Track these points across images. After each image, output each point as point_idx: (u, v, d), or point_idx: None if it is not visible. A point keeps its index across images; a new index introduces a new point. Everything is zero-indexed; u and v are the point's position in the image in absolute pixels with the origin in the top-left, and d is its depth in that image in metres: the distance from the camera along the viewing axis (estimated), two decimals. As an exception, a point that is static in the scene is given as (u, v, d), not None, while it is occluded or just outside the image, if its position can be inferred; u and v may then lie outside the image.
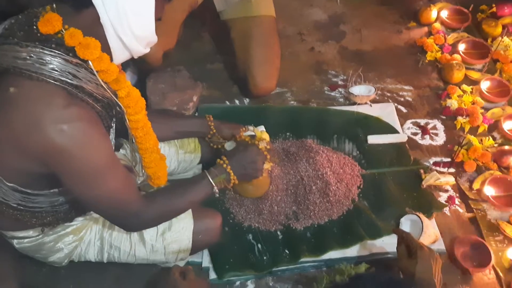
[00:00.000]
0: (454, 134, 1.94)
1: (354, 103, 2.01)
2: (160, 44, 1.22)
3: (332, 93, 2.09)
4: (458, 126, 1.94)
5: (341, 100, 2.06)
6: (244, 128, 1.58)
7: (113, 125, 1.19)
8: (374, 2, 2.51)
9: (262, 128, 1.59)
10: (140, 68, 1.90)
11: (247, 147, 1.44)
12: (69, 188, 1.09)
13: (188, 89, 1.92)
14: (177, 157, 1.59)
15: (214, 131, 1.58)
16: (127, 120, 1.18)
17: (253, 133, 1.54)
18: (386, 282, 0.93)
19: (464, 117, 1.95)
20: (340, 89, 2.09)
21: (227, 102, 2.03)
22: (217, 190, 1.33)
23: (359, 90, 2.01)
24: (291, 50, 2.23)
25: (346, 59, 2.24)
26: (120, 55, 1.09)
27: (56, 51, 0.98)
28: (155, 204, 1.23)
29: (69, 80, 0.99)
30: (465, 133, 1.92)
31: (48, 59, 0.97)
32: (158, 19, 1.09)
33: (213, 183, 1.31)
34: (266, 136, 1.52)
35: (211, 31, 2.30)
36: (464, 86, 2.05)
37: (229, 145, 1.52)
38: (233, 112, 1.95)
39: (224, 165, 1.36)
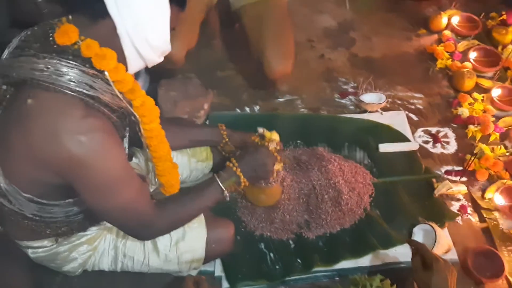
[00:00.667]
0: (465, 143, 1.93)
1: (365, 111, 2.01)
2: (182, 43, 1.22)
3: (343, 101, 2.09)
4: (470, 135, 1.94)
5: (352, 107, 2.06)
6: (256, 135, 1.58)
7: (127, 134, 1.20)
8: (383, 9, 2.51)
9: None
10: (159, 70, 1.89)
11: (256, 148, 1.44)
12: (84, 199, 1.10)
13: (199, 97, 1.92)
14: (189, 165, 1.59)
15: (227, 140, 1.58)
16: (142, 129, 1.18)
17: (263, 134, 1.54)
18: None
19: (476, 125, 1.95)
20: (350, 97, 2.09)
21: (238, 110, 2.04)
22: (227, 194, 1.32)
23: (370, 97, 2.01)
24: (300, 57, 2.23)
25: (356, 66, 2.24)
26: (135, 65, 1.09)
27: (73, 63, 0.99)
28: (167, 212, 1.23)
29: (85, 91, 0.99)
30: (476, 141, 1.91)
31: (65, 70, 0.98)
32: (172, 29, 1.10)
33: (222, 187, 1.31)
34: (276, 137, 1.51)
35: (222, 36, 2.30)
36: (475, 94, 2.05)
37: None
38: (243, 120, 1.95)
39: (234, 168, 1.36)
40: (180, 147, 1.56)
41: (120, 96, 1.07)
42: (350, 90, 2.13)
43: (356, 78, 2.15)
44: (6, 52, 1.05)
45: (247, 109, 2.05)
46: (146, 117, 1.16)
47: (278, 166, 1.46)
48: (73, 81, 0.98)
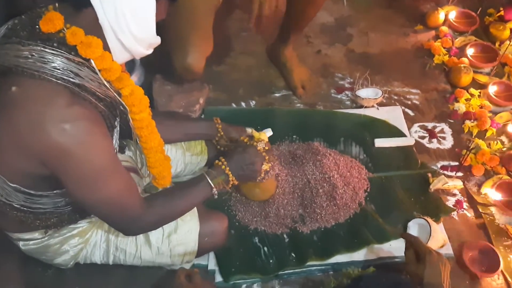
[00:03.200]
0: (462, 138, 1.92)
1: (361, 106, 2.00)
2: (200, 54, 1.18)
3: (339, 96, 2.08)
4: (466, 130, 1.93)
5: (348, 103, 2.05)
6: (251, 131, 1.58)
7: (117, 125, 1.18)
8: (381, 5, 2.50)
9: (269, 131, 1.59)
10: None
11: (245, 148, 1.44)
12: (68, 190, 1.08)
13: (194, 91, 1.91)
14: (183, 159, 1.59)
15: (222, 133, 1.57)
16: (131, 120, 1.16)
17: (251, 135, 1.55)
18: (394, 283, 0.91)
19: (472, 121, 1.94)
20: (347, 92, 2.09)
21: (234, 105, 2.03)
22: (216, 192, 1.32)
23: (366, 93, 2.00)
24: (297, 52, 2.21)
25: (353, 62, 2.23)
26: (120, 56, 1.07)
27: (58, 50, 0.97)
28: (155, 207, 1.21)
29: (71, 79, 0.98)
30: (473, 137, 1.90)
31: (50, 57, 0.96)
32: (160, 20, 1.07)
33: (212, 184, 1.30)
34: (264, 137, 1.52)
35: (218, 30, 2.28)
36: (472, 90, 2.04)
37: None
38: (239, 115, 1.95)
39: (223, 167, 1.35)
40: (174, 140, 1.55)
41: (107, 85, 1.05)
42: (347, 85, 2.12)
43: (352, 74, 2.14)
44: None
45: (243, 104, 2.03)
46: (135, 107, 1.14)
47: (266, 166, 1.47)
48: (58, 69, 0.97)
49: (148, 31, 1.06)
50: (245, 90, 2.08)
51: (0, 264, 1.42)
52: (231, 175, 1.35)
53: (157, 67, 1.90)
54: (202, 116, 1.92)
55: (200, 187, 1.31)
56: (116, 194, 1.10)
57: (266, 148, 1.48)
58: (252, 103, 2.04)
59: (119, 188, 1.10)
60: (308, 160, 1.68)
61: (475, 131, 1.91)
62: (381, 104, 2.00)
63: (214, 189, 1.31)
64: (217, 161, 1.38)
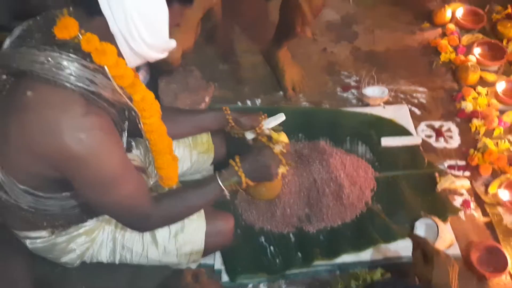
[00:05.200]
0: (469, 137, 1.91)
1: (367, 105, 1.99)
2: (179, 44, 1.19)
3: (345, 94, 2.07)
4: (473, 129, 1.91)
5: (354, 101, 2.04)
6: (263, 116, 1.50)
7: (126, 128, 1.19)
8: (387, 3, 2.48)
9: (281, 116, 1.51)
10: (157, 69, 1.88)
11: (261, 150, 1.39)
12: (81, 193, 1.09)
13: (200, 90, 1.91)
14: (190, 158, 1.58)
15: (233, 124, 1.50)
16: (142, 124, 1.17)
17: (269, 132, 1.49)
18: None
19: (479, 119, 1.93)
20: (352, 90, 2.08)
21: (239, 103, 2.02)
22: (227, 193, 1.30)
23: (372, 91, 1.99)
24: (303, 50, 2.21)
25: (359, 60, 2.21)
26: (133, 61, 1.07)
27: (74, 56, 0.97)
28: (164, 206, 1.22)
29: (86, 86, 0.98)
30: (480, 136, 1.89)
31: (66, 64, 0.96)
32: (176, 25, 1.06)
33: (222, 186, 1.29)
34: (283, 139, 1.47)
35: (225, 29, 2.28)
36: (479, 88, 2.02)
37: (249, 134, 1.49)
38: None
39: (236, 168, 1.32)
40: (184, 134, 1.53)
41: (120, 91, 1.05)
42: (353, 84, 2.11)
43: (358, 72, 2.13)
44: (7, 42, 1.04)
45: (249, 102, 2.03)
46: (146, 111, 1.15)
47: (283, 169, 1.40)
48: (74, 75, 0.97)
49: (161, 37, 1.04)
50: (250, 88, 2.08)
51: (9, 262, 1.42)
52: (244, 177, 1.32)
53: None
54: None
55: (211, 188, 1.30)
56: (128, 195, 1.11)
57: (284, 150, 1.42)
58: (258, 101, 2.04)
59: (130, 190, 1.11)
60: (314, 159, 1.67)
61: (482, 130, 1.90)
62: (387, 103, 1.99)
63: (225, 191, 1.29)
64: (231, 161, 1.34)
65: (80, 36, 0.99)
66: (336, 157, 1.69)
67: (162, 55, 1.10)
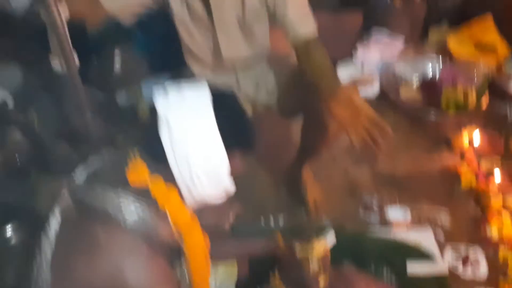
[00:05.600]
0: (496, 265, 1.85)
1: (390, 227, 1.97)
2: None
3: (367, 217, 2.07)
4: (501, 257, 1.86)
5: (376, 223, 2.04)
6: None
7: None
8: (402, 130, 2.55)
9: (331, 234, 1.49)
10: None
11: (297, 265, 1.39)
12: None
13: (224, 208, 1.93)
14: (214, 275, 1.55)
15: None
16: (187, 267, 1.15)
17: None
18: None
19: (506, 246, 1.88)
20: (374, 212, 2.08)
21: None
22: None
23: (395, 213, 2.00)
24: (325, 172, 2.27)
25: (380, 182, 2.25)
26: (192, 203, 1.12)
27: (143, 202, 1.01)
28: None
29: (151, 231, 1.01)
30: (508, 263, 1.83)
31: (135, 208, 1.00)
32: (234, 176, 1.12)
33: None
34: (324, 249, 1.42)
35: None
36: (504, 214, 2.01)
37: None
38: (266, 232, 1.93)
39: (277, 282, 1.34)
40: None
41: (177, 236, 1.07)
42: (374, 206, 2.12)
43: (380, 195, 2.15)
44: (83, 175, 1.07)
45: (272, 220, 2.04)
46: (193, 252, 1.14)
47: (322, 281, 1.37)
48: (141, 220, 1.00)
49: (221, 188, 1.11)
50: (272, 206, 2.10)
51: None
52: None
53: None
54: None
55: None
56: None
57: (321, 264, 1.40)
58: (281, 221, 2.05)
59: None
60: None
61: (510, 258, 1.85)
62: (410, 226, 1.98)
63: None
64: (272, 275, 1.35)
65: (149, 181, 1.04)
66: (362, 284, 1.63)
67: (220, 200, 1.15)
